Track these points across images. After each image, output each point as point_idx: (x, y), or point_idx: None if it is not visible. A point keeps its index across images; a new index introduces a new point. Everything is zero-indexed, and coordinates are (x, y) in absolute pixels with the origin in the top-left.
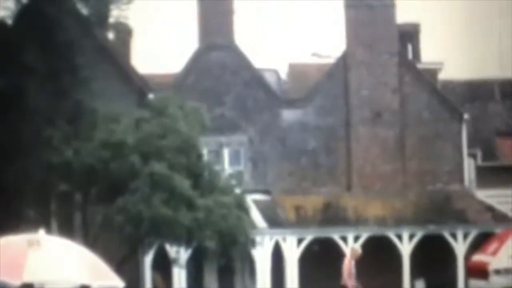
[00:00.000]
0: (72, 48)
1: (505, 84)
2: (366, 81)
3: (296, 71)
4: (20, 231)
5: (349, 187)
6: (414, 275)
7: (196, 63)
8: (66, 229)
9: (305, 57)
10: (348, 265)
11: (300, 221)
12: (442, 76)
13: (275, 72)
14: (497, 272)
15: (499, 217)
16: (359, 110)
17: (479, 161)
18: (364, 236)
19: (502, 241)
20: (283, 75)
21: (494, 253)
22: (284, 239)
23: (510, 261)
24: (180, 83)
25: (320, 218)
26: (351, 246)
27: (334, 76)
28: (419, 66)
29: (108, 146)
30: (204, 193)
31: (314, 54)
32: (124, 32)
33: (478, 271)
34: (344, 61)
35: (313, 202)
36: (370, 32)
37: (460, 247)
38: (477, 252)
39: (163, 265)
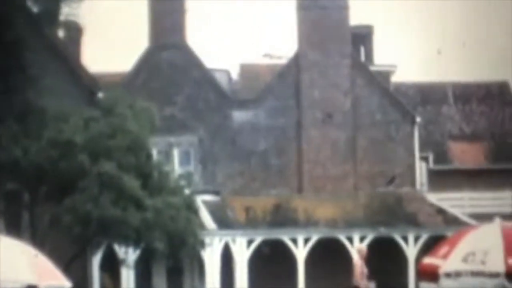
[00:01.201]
0: (21, 46)
1: (458, 87)
2: (317, 82)
3: (247, 71)
4: None
5: (299, 189)
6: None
7: (146, 62)
8: (14, 229)
9: (256, 58)
10: (359, 266)
11: (250, 223)
12: (395, 78)
13: (226, 73)
14: (448, 275)
15: (450, 220)
16: (311, 111)
17: (431, 164)
18: (314, 238)
19: (453, 244)
20: (235, 75)
21: (445, 256)
22: (234, 241)
23: (461, 264)
24: (130, 83)
25: (270, 219)
26: (356, 247)
27: (285, 77)
28: (372, 68)
29: (56, 145)
30: (153, 193)
31: (265, 55)
32: (74, 30)
33: (429, 274)
34: (296, 62)
35: (263, 203)
36: (323, 33)
37: (411, 250)
38: (428, 255)
39: (111, 265)
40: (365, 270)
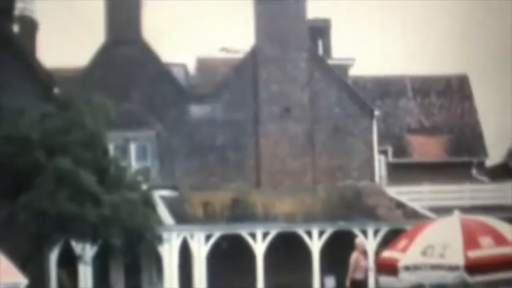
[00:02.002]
0: None
1: (416, 80)
2: (275, 76)
3: (204, 65)
4: None
5: (258, 183)
6: (324, 272)
7: (102, 57)
8: None
9: (213, 52)
10: (355, 259)
11: (208, 218)
12: (353, 72)
13: (183, 67)
14: (407, 268)
15: (409, 214)
16: (268, 105)
17: (390, 158)
18: (273, 233)
19: (412, 237)
20: (192, 69)
21: (404, 249)
22: (192, 236)
23: (420, 258)
24: (86, 78)
25: (228, 214)
26: (356, 241)
27: (243, 71)
28: (330, 61)
29: (12, 141)
30: (110, 189)
31: (222, 49)
32: (30, 25)
33: (388, 268)
34: (253, 56)
35: (221, 198)
36: (280, 27)
37: (370, 244)
38: (387, 249)
39: (68, 262)
40: (364, 263)
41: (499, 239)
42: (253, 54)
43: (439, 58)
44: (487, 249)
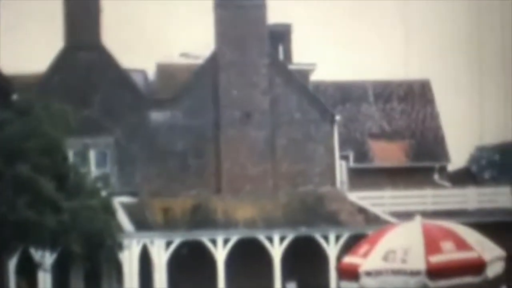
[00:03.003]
0: None
1: (378, 85)
2: (235, 81)
3: (164, 71)
4: None
5: (218, 189)
6: (285, 278)
7: (61, 62)
8: None
9: (173, 57)
10: None
11: (168, 224)
12: (314, 77)
13: (143, 73)
14: (368, 274)
15: (371, 219)
16: (229, 111)
17: (351, 163)
18: (234, 239)
19: (373, 242)
20: (151, 75)
21: (365, 255)
22: (152, 242)
23: (381, 263)
24: (45, 83)
25: (188, 220)
26: None
27: (203, 77)
28: (290, 67)
29: None
30: (70, 195)
31: (182, 54)
32: None
33: (349, 273)
34: (213, 62)
35: (181, 204)
36: (240, 32)
37: (332, 249)
38: (348, 254)
39: (28, 269)
40: None
41: (461, 244)
42: (213, 59)
43: (401, 63)
44: (449, 254)
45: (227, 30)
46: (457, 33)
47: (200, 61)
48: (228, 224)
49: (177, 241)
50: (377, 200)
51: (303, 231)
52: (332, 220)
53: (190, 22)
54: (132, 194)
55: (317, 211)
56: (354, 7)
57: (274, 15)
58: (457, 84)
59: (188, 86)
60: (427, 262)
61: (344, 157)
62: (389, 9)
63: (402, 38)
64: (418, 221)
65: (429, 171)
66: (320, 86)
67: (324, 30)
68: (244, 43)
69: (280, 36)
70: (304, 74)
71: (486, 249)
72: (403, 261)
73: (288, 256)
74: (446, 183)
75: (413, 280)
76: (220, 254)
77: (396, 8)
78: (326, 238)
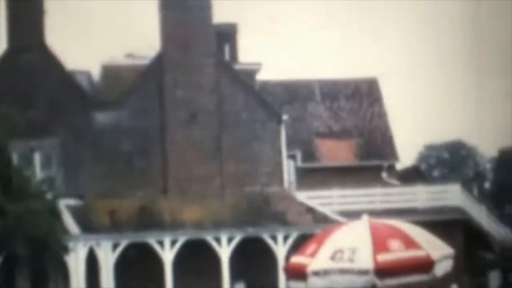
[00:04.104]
0: None
1: (325, 84)
2: (181, 82)
3: (109, 72)
4: None
5: (165, 191)
6: (234, 279)
7: (5, 64)
8: None
9: (119, 58)
10: None
11: (115, 226)
12: (261, 77)
13: (87, 74)
14: (316, 273)
15: (319, 219)
16: (175, 112)
17: (299, 162)
18: (181, 240)
19: (320, 242)
20: (96, 76)
21: (313, 254)
22: (98, 245)
23: (329, 263)
24: None
25: (135, 222)
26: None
27: (148, 78)
28: (237, 67)
29: None
30: (14, 198)
31: (128, 55)
32: None
33: (297, 273)
34: (159, 62)
35: (128, 206)
36: (186, 32)
37: (280, 249)
38: (295, 254)
39: None
40: None
41: (409, 243)
42: (159, 60)
43: (349, 62)
44: (397, 253)
45: (173, 30)
46: (409, 32)
47: (145, 62)
48: (175, 226)
49: (123, 243)
50: (325, 199)
51: (251, 231)
52: (280, 220)
53: (135, 23)
54: (78, 196)
55: (265, 211)
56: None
57: (220, 15)
58: (405, 82)
59: (134, 87)
60: (375, 261)
61: (292, 157)
62: (341, 7)
63: (352, 36)
64: (365, 220)
65: (377, 169)
66: (267, 86)
67: (270, 29)
68: (190, 43)
69: (226, 36)
70: (250, 74)
71: (435, 248)
72: (351, 260)
73: (236, 256)
74: (395, 182)
75: (361, 280)
76: (168, 255)
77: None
78: (274, 238)
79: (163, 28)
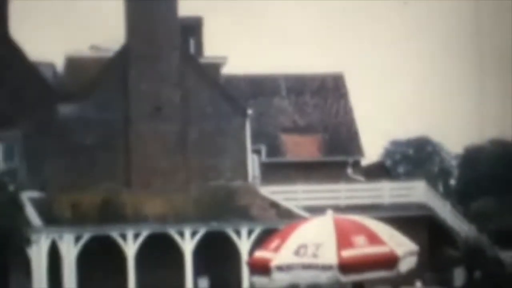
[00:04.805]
0: None
1: (291, 79)
2: (146, 75)
3: (73, 64)
4: None
5: (128, 184)
6: (197, 273)
7: None
8: None
9: (83, 50)
10: None
11: (77, 219)
12: (226, 70)
13: (52, 65)
14: (279, 268)
15: (283, 214)
16: (139, 105)
17: (264, 157)
18: (144, 234)
19: (284, 237)
20: (60, 68)
21: (276, 249)
22: (61, 237)
23: (293, 258)
24: None
25: (98, 215)
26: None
27: (113, 70)
28: (202, 60)
29: None
30: None
31: (92, 47)
32: None
33: (260, 268)
34: (123, 55)
35: (91, 199)
36: (151, 25)
37: (244, 244)
38: (259, 249)
39: None
40: None
41: (373, 238)
42: (124, 52)
43: (315, 57)
44: (361, 248)
45: (138, 23)
46: (374, 27)
47: (110, 54)
48: (138, 219)
49: (86, 236)
50: (290, 194)
51: (215, 225)
52: (244, 215)
53: (100, 14)
54: (41, 188)
55: (229, 205)
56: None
57: (186, 8)
58: (371, 78)
59: (98, 80)
60: (339, 257)
61: (256, 152)
62: (306, 3)
63: (319, 31)
64: (329, 215)
65: (342, 165)
66: (232, 80)
67: (236, 23)
68: (155, 36)
69: (191, 29)
70: (215, 67)
71: (399, 244)
72: (315, 255)
73: (200, 251)
74: (360, 178)
75: (324, 275)
76: (130, 249)
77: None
78: (238, 233)
79: (128, 20)
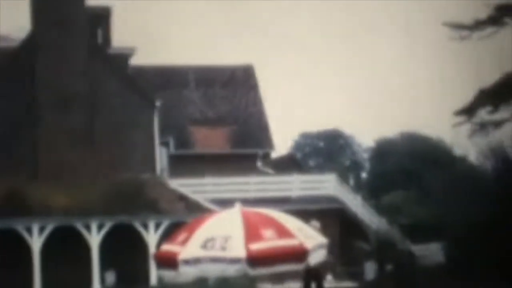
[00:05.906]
0: None
1: (200, 71)
2: (53, 65)
3: None
4: None
5: (34, 176)
6: (104, 267)
7: None
8: None
9: None
10: None
11: None
12: (134, 61)
13: None
14: (187, 262)
15: (192, 206)
16: (46, 95)
17: (172, 149)
18: (50, 227)
19: (192, 230)
20: None
21: (184, 242)
22: None
23: (200, 251)
24: None
25: (2, 208)
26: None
27: (19, 59)
28: (110, 51)
29: None
30: None
31: None
32: None
33: (167, 261)
34: (30, 44)
35: None
36: (58, 14)
37: (151, 237)
38: (166, 242)
39: None
40: None
41: (282, 231)
42: (30, 41)
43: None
44: (270, 241)
45: (45, 11)
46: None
47: (16, 43)
48: (44, 212)
49: None
50: (199, 187)
51: (122, 219)
52: (152, 208)
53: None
54: None
55: (137, 198)
56: None
57: None
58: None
59: (4, 69)
60: (247, 250)
61: (165, 144)
62: None
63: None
64: (237, 208)
65: (252, 158)
66: (141, 71)
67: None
68: (62, 25)
69: (99, 18)
70: (123, 58)
71: (308, 237)
72: (223, 248)
73: (107, 244)
74: (270, 170)
75: (232, 268)
76: (36, 242)
77: None
78: (145, 226)
79: (34, 8)
